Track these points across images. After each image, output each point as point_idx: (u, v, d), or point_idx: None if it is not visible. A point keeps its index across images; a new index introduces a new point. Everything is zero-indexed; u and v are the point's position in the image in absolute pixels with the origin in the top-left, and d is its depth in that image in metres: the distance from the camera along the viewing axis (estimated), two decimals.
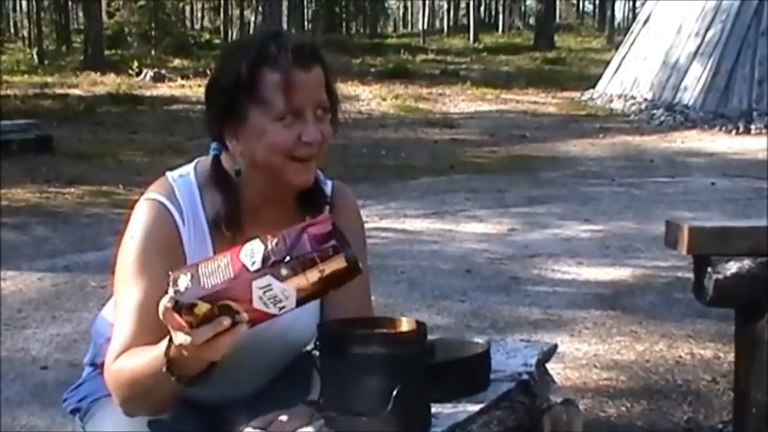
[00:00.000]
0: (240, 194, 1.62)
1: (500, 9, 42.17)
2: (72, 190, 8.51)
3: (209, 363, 1.38)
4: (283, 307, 1.29)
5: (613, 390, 3.59)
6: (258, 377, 1.75)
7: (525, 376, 1.70)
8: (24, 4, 32.86)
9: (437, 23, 43.82)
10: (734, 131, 13.02)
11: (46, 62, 22.75)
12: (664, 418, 3.34)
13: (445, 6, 40.49)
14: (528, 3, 43.38)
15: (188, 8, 36.92)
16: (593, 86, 17.02)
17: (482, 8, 41.65)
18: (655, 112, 14.34)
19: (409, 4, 49.37)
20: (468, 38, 31.72)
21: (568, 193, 8.67)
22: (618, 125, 14.02)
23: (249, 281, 1.27)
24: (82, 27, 26.02)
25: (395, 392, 1.35)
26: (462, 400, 1.54)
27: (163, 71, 19.15)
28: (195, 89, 16.85)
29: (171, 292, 1.29)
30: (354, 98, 15.71)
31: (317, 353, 1.46)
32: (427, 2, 36.99)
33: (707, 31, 14.24)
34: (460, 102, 16.60)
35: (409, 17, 50.05)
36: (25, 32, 31.23)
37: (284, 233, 1.29)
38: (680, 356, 3.95)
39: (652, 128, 13.67)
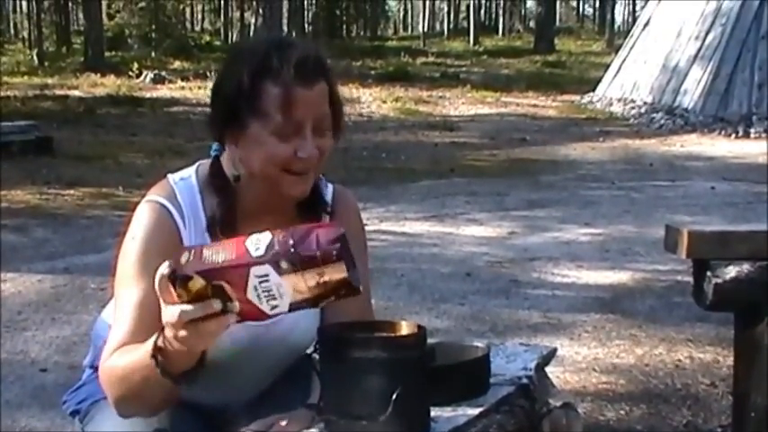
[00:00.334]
0: (238, 199, 1.62)
1: (500, 12, 42.19)
2: (72, 192, 8.51)
3: (196, 360, 1.37)
4: (275, 306, 1.28)
5: (613, 393, 3.59)
6: (259, 381, 1.75)
7: (525, 380, 1.70)
8: (24, 5, 32.88)
9: (437, 26, 43.86)
10: (734, 135, 13.02)
11: (46, 63, 22.75)
12: (663, 421, 3.35)
13: (445, 9, 40.51)
14: (528, 6, 43.47)
15: (188, 10, 36.93)
16: (593, 90, 17.04)
17: (482, 11, 41.67)
18: (654, 115, 14.34)
19: (409, 6, 49.45)
20: (469, 41, 31.76)
21: (568, 197, 8.68)
22: (618, 129, 14.02)
23: (248, 266, 1.26)
24: (82, 28, 26.01)
25: (394, 396, 1.35)
26: (462, 404, 1.54)
27: (163, 73, 19.17)
28: (195, 91, 16.86)
29: (171, 263, 1.30)
30: (355, 101, 15.71)
31: (316, 356, 1.46)
32: (427, 5, 37.02)
33: (707, 34, 14.25)
34: (461, 105, 16.61)
35: (409, 20, 50.09)
36: (25, 34, 31.23)
37: (292, 229, 1.29)
38: (679, 360, 3.96)
39: (652, 131, 13.68)
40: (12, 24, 35.15)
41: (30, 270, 5.61)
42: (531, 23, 37.27)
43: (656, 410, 3.43)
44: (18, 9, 34.82)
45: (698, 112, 13.76)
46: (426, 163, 11.03)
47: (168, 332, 1.32)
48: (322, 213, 1.69)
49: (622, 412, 3.41)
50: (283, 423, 1.53)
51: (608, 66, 17.49)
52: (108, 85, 17.71)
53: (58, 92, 16.71)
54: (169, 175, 1.67)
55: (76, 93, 16.69)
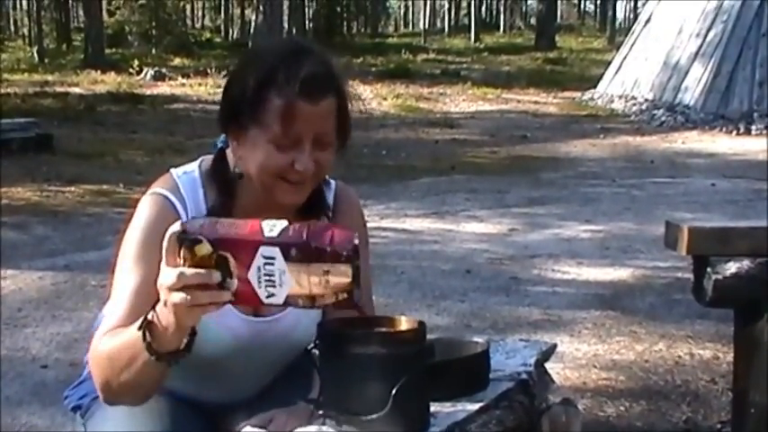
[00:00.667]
0: (240, 194, 1.62)
1: (501, 9, 42.19)
2: (72, 189, 8.51)
3: (182, 339, 1.36)
4: (271, 295, 1.27)
5: (612, 390, 3.59)
6: (260, 378, 1.75)
7: (524, 376, 1.70)
8: (25, 2, 32.85)
9: (438, 23, 43.82)
10: (734, 132, 13.02)
11: (46, 61, 22.75)
12: (663, 418, 3.35)
13: (446, 6, 40.47)
14: (529, 3, 43.44)
15: (189, 7, 36.89)
16: (594, 87, 17.03)
17: (483, 8, 41.66)
18: (655, 112, 14.34)
19: (410, 3, 49.40)
20: (470, 38, 31.74)
21: (569, 194, 8.68)
22: (618, 126, 14.02)
23: (258, 244, 1.25)
24: (82, 25, 26.02)
25: (394, 391, 1.35)
26: (461, 400, 1.54)
27: (163, 70, 19.15)
28: (196, 88, 16.86)
29: (183, 223, 1.30)
30: (355, 98, 15.68)
31: (316, 352, 1.46)
32: (428, 2, 36.99)
33: (708, 32, 14.24)
34: (461, 102, 16.60)
35: (410, 17, 50.09)
36: (25, 31, 31.23)
37: (310, 223, 1.29)
38: (679, 357, 3.96)
39: (653, 128, 13.67)
40: (12, 21, 35.14)
41: (30, 267, 5.62)
42: (532, 20, 37.26)
43: (656, 407, 3.43)
44: (18, 6, 34.79)
45: (699, 109, 13.75)
46: (427, 160, 11.03)
47: (162, 296, 1.31)
48: (323, 216, 1.70)
49: (622, 408, 3.41)
50: (282, 418, 1.53)
51: (609, 63, 17.48)
52: (108, 82, 17.71)
53: (59, 89, 16.70)
54: (172, 170, 1.67)
55: (77, 90, 16.68)
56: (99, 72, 18.90)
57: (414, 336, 1.44)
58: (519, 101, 16.85)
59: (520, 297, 4.95)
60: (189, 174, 1.65)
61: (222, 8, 36.27)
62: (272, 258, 1.25)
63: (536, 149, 12.10)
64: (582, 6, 51.19)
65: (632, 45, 16.47)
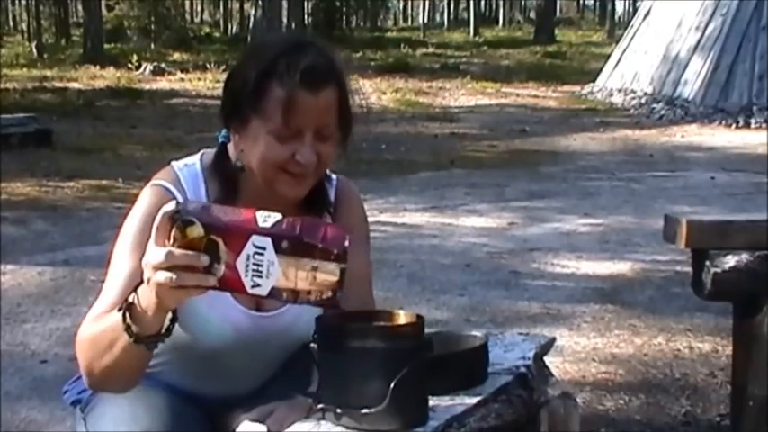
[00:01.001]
0: (241, 188, 1.63)
1: (500, 3, 42.13)
2: (72, 184, 8.50)
3: (162, 322, 1.36)
4: (256, 285, 1.27)
5: (612, 383, 3.60)
6: (261, 372, 1.75)
7: (523, 370, 1.70)
8: None
9: (437, 17, 43.79)
10: (734, 126, 13.01)
11: (45, 56, 22.72)
12: (662, 411, 3.35)
13: (445, 0, 40.42)
14: None
15: (188, 2, 36.85)
16: (594, 81, 17.01)
17: (482, 2, 41.57)
18: (655, 106, 14.33)
19: None
20: (469, 32, 31.71)
21: (568, 188, 8.67)
22: (618, 119, 14.01)
23: (250, 232, 1.26)
24: (81, 21, 25.96)
25: (392, 385, 1.35)
26: (460, 394, 1.54)
27: (162, 65, 19.12)
28: (195, 83, 16.85)
29: (177, 203, 1.30)
30: (354, 92, 15.67)
31: (314, 345, 1.46)
32: None
33: (707, 25, 14.22)
34: (461, 96, 16.59)
35: (409, 11, 49.98)
36: (24, 26, 31.14)
37: (305, 218, 1.30)
38: (678, 350, 3.96)
39: (652, 122, 13.66)
40: (11, 17, 35.09)
41: (29, 262, 5.62)
42: (532, 14, 37.23)
43: (655, 400, 3.44)
44: (17, 1, 34.72)
45: (698, 102, 13.74)
46: (426, 154, 11.02)
47: (146, 274, 1.30)
48: (324, 212, 1.70)
49: (621, 402, 3.41)
50: (281, 411, 1.53)
51: (608, 57, 17.45)
52: (107, 77, 17.69)
53: (58, 84, 16.68)
54: (173, 162, 1.68)
55: (76, 85, 16.67)
56: (98, 67, 18.89)
57: (412, 330, 1.44)
58: (518, 95, 16.83)
59: (519, 291, 4.95)
60: (190, 167, 1.66)
61: (221, 3, 36.20)
62: (263, 249, 1.25)
63: (535, 143, 12.09)
64: (581, 0, 51.13)
65: (631, 39, 16.45)
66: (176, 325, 1.41)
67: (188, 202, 1.32)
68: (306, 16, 31.69)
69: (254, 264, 1.26)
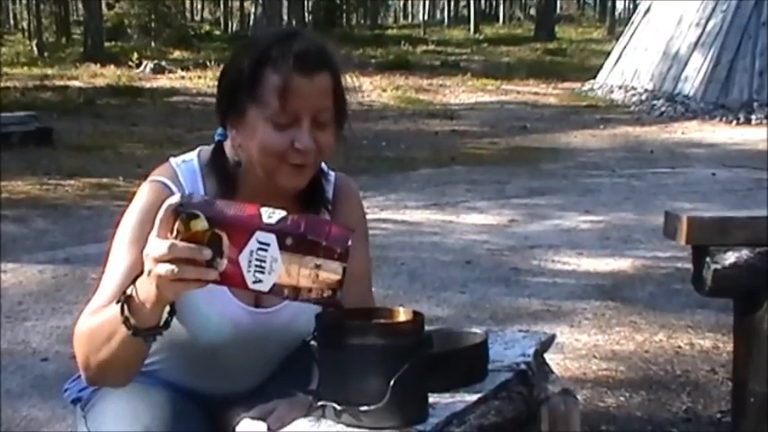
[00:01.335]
0: (239, 185, 1.63)
1: (500, 0, 42.08)
2: (72, 182, 8.51)
3: (160, 315, 1.36)
4: (258, 281, 1.26)
5: (613, 380, 3.60)
6: (261, 369, 1.75)
7: (523, 367, 1.70)
8: None
9: (438, 15, 43.77)
10: (734, 122, 13.01)
11: (46, 54, 22.71)
12: (663, 408, 3.35)
13: None
14: None
15: (188, 0, 36.84)
16: (594, 77, 17.01)
17: None
18: (655, 102, 14.33)
19: None
20: (469, 29, 31.70)
21: (569, 185, 8.67)
22: (618, 116, 14.01)
23: (255, 228, 1.25)
24: (82, 19, 25.96)
25: (392, 383, 1.35)
26: (460, 391, 1.54)
27: (163, 63, 19.13)
28: (195, 81, 16.85)
29: (182, 195, 1.29)
30: (359, 90, 15.68)
31: (314, 343, 1.46)
32: None
33: (708, 21, 14.21)
34: (461, 93, 16.58)
35: (410, 8, 49.96)
36: (25, 24, 31.15)
37: (308, 216, 1.30)
38: (679, 347, 3.96)
39: (652, 119, 13.66)
40: (11, 15, 35.09)
41: (30, 260, 5.62)
42: (532, 11, 37.19)
43: (656, 397, 3.44)
44: (17, 0, 34.74)
45: (699, 99, 13.74)
46: (427, 151, 11.02)
47: (147, 266, 1.30)
48: (322, 209, 1.70)
49: (622, 399, 3.41)
50: (282, 409, 1.53)
51: (609, 53, 17.45)
52: (108, 75, 17.69)
53: (58, 82, 16.69)
54: (171, 159, 1.69)
55: (76, 83, 16.67)
56: (98, 65, 18.89)
57: (412, 327, 1.44)
58: (518, 92, 16.82)
59: (520, 288, 4.95)
60: (188, 163, 1.67)
61: (221, 1, 36.19)
62: (267, 245, 1.25)
63: (536, 140, 12.09)
64: None
65: (632, 35, 16.44)
66: (176, 321, 1.41)
67: (192, 195, 1.32)
68: (306, 14, 31.69)
69: (256, 259, 1.25)
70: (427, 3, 37.26)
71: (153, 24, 25.54)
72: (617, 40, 18.14)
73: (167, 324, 1.38)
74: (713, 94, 13.64)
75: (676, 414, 3.30)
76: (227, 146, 1.65)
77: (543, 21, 28.32)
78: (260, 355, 1.71)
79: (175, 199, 1.29)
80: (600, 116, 13.98)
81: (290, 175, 1.58)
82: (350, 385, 1.39)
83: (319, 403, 1.42)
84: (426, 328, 1.46)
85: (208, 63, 18.18)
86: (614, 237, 6.20)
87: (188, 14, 36.65)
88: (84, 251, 5.83)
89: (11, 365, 3.85)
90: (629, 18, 21.32)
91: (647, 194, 7.86)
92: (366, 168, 9.05)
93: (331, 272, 1.26)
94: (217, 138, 1.67)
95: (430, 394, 1.47)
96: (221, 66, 1.73)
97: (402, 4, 50.72)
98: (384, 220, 6.70)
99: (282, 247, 1.25)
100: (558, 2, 39.54)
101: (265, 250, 1.25)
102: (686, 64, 14.30)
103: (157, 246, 1.28)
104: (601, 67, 17.17)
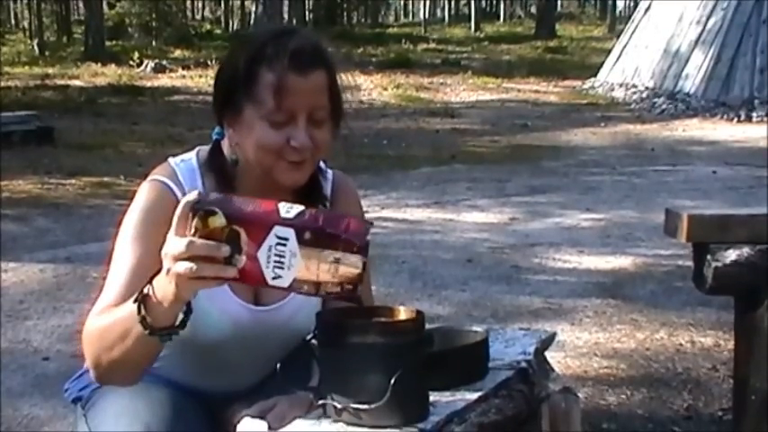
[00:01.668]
0: (237, 183, 1.63)
1: None
2: (73, 181, 8.51)
3: (177, 314, 1.35)
4: (277, 277, 1.25)
5: (614, 378, 3.60)
6: (261, 367, 1.75)
7: (524, 365, 1.70)
8: None
9: (438, 13, 43.72)
10: (735, 120, 13.01)
11: (47, 53, 22.72)
12: (664, 405, 3.35)
13: None
14: None
15: None
16: (595, 75, 17.00)
17: None
18: (656, 100, 14.32)
19: None
20: (470, 27, 31.67)
21: (569, 183, 8.67)
22: (619, 114, 14.00)
23: (273, 223, 1.25)
24: (83, 18, 26.00)
25: (393, 381, 1.35)
26: (460, 389, 1.54)
27: (164, 62, 19.14)
28: (196, 80, 16.85)
29: (200, 192, 1.29)
30: (355, 88, 15.68)
31: (315, 342, 1.46)
32: None
33: (708, 19, 14.21)
34: (462, 91, 16.58)
35: (410, 7, 49.93)
36: (26, 23, 31.17)
37: (326, 210, 1.30)
38: (680, 345, 3.96)
39: (653, 116, 13.66)
40: (12, 14, 35.08)
41: (31, 259, 5.62)
42: (533, 9, 37.17)
43: (657, 394, 3.44)
44: None
45: (699, 96, 13.73)
46: (427, 150, 11.02)
47: (165, 264, 1.30)
48: (319, 206, 1.70)
49: (623, 396, 3.41)
50: (282, 406, 1.53)
51: (609, 51, 17.44)
52: (109, 74, 17.68)
53: (59, 82, 16.68)
54: (170, 158, 1.69)
55: (77, 82, 16.67)
56: (99, 64, 18.88)
57: (412, 325, 1.44)
58: (519, 90, 16.81)
59: (521, 286, 4.95)
60: (187, 162, 1.68)
61: (222, 0, 36.16)
62: (286, 239, 1.24)
63: (537, 138, 12.08)
64: None
65: (632, 33, 16.43)
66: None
67: (209, 193, 1.32)
68: (307, 12, 31.68)
69: (275, 255, 1.24)
70: (428, 1, 37.25)
71: (154, 23, 25.56)
72: (618, 37, 18.13)
73: (183, 324, 1.38)
74: (714, 91, 13.64)
75: (677, 412, 3.31)
76: (225, 144, 1.66)
77: (544, 19, 28.29)
78: (260, 353, 1.71)
79: (192, 196, 1.29)
80: (601, 114, 13.97)
81: (288, 172, 1.58)
82: (350, 384, 1.39)
83: (320, 402, 1.42)
84: (427, 326, 1.46)
85: (209, 62, 18.17)
86: (615, 234, 6.20)
87: (189, 13, 36.65)
88: (86, 250, 5.83)
89: (12, 364, 3.86)
90: (630, 16, 21.30)
91: (648, 192, 7.86)
92: (367, 167, 9.06)
93: (351, 266, 1.25)
94: (214, 136, 1.68)
95: (430, 392, 1.47)
96: None
97: (403, 2, 50.70)
98: (385, 219, 6.70)
99: (301, 241, 1.24)
100: (559, 0, 39.55)
101: (284, 245, 1.24)
102: (687, 62, 14.30)
103: (176, 244, 1.27)
104: (601, 64, 17.16)
